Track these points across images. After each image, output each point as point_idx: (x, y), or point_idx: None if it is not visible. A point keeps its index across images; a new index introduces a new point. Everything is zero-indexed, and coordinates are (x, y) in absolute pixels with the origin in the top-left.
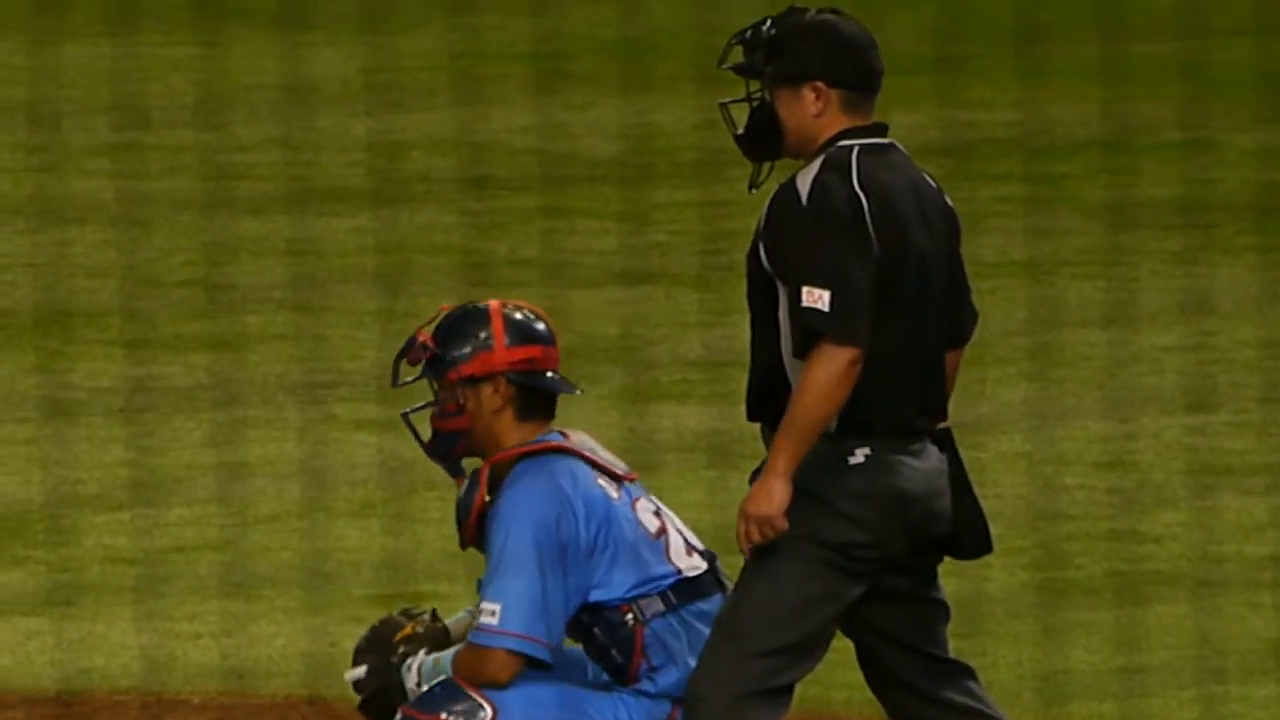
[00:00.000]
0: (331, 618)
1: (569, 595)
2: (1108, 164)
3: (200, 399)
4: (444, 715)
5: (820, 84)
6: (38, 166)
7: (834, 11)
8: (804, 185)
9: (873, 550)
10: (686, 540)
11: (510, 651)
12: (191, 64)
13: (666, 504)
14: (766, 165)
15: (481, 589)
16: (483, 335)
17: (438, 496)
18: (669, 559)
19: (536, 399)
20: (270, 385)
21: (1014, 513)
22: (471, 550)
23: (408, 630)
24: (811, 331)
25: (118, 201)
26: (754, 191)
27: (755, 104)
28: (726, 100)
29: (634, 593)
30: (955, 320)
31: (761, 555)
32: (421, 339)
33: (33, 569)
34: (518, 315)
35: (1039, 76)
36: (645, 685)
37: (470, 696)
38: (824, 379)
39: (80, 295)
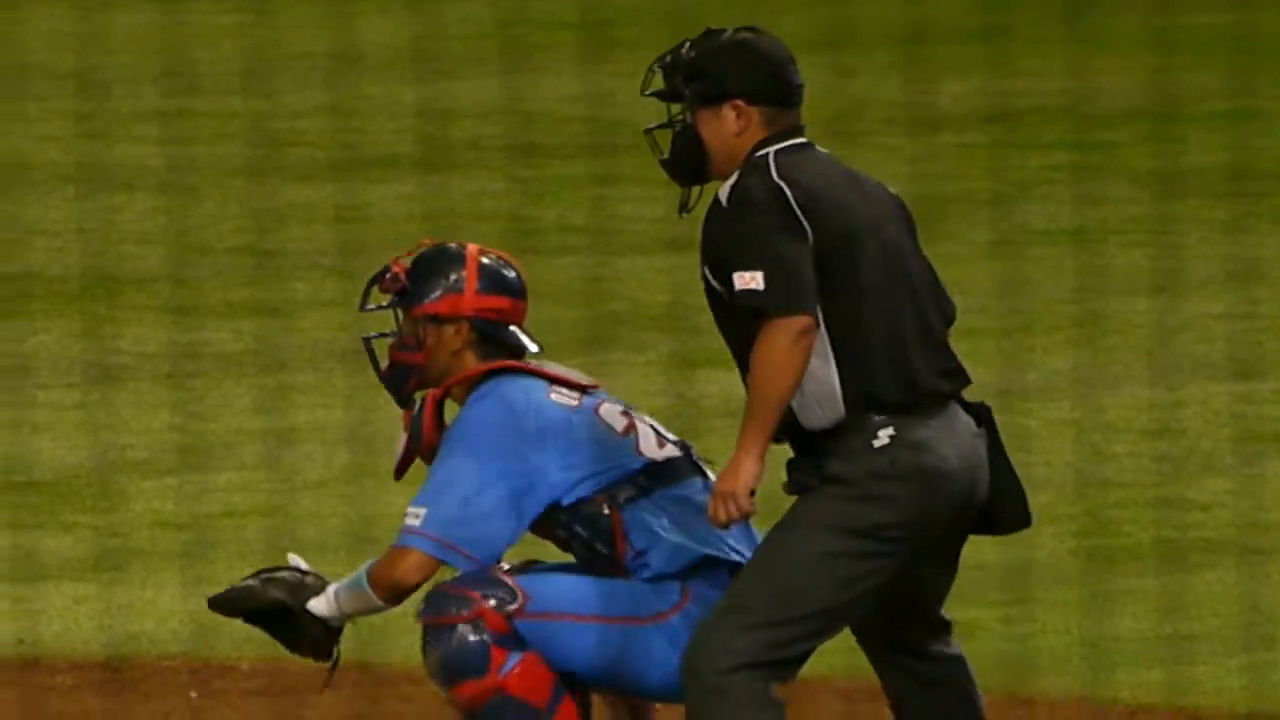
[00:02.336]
0: None
1: (512, 508)
2: (1156, 132)
3: (248, 365)
4: (479, 594)
5: (740, 102)
6: (87, 133)
7: (751, 30)
8: (724, 193)
9: (905, 529)
10: (658, 433)
11: (423, 553)
12: (240, 31)
13: (715, 471)
14: (696, 189)
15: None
16: (454, 278)
17: None
18: (638, 452)
19: (496, 347)
20: (318, 351)
21: (1062, 480)
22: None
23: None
24: (756, 312)
25: (166, 168)
26: (685, 215)
27: (678, 128)
28: (651, 126)
29: (604, 483)
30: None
31: (789, 534)
32: (395, 269)
33: (81, 534)
34: (493, 264)
35: (1087, 45)
36: (641, 572)
37: (503, 582)
38: (774, 353)
39: (129, 261)
